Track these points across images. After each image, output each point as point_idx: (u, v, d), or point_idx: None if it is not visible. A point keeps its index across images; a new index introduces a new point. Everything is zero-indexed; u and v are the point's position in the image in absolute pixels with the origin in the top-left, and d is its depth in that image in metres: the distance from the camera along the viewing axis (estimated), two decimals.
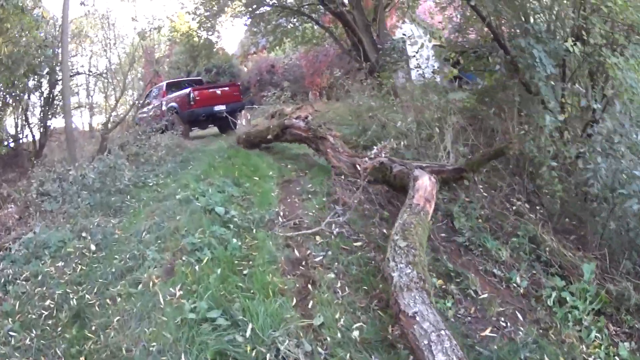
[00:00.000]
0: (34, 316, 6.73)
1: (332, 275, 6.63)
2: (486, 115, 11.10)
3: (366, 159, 8.95)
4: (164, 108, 19.47)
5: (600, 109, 8.97)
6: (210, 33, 26.45)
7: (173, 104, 18.74)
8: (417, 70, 19.14)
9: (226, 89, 21.39)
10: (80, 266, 8.05)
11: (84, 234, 9.20)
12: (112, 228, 9.51)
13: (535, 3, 10.06)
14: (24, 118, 17.81)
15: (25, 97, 17.32)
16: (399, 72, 26.62)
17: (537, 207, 8.67)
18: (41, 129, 18.35)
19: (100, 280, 7.42)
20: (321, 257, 7.10)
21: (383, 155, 8.83)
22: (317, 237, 7.70)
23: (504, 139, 9.75)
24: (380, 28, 24.34)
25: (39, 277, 7.68)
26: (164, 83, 21.18)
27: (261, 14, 27.28)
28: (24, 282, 7.59)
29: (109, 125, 17.00)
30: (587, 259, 7.40)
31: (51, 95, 18.29)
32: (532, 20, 9.73)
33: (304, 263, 7.08)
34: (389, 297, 5.23)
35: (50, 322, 6.63)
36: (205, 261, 6.92)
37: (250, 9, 26.22)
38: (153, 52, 42.79)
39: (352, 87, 21.65)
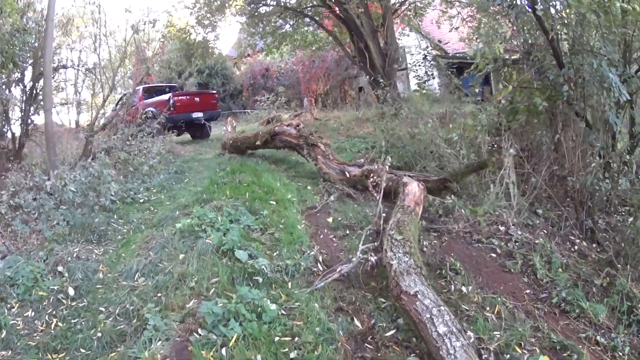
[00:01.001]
0: None
1: None
2: (533, 138, 9.78)
3: (355, 166, 9.71)
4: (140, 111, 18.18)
5: None
6: (208, 30, 24.40)
7: (151, 108, 17.87)
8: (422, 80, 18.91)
9: (204, 96, 21.41)
10: (55, 319, 6.01)
11: (60, 268, 7.20)
12: (96, 262, 7.56)
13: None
14: (3, 114, 15.59)
15: (6, 90, 15.16)
16: (398, 82, 25.15)
17: (594, 246, 7.95)
18: (22, 126, 16.04)
19: (82, 349, 5.31)
20: (393, 330, 5.40)
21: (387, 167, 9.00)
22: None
23: (564, 168, 8.85)
24: (388, 35, 22.50)
25: (3, 333, 5.58)
26: (140, 87, 20.14)
27: (261, 14, 25.60)
28: None
29: (95, 127, 14.97)
30: None
31: (34, 90, 16.07)
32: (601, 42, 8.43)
33: (370, 338, 5.25)
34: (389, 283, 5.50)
35: None
36: (233, 340, 4.85)
37: (250, 7, 24.25)
38: (145, 50, 41.46)
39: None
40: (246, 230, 7.78)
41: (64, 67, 17.69)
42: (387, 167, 8.94)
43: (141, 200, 10.90)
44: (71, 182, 10.27)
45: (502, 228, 7.84)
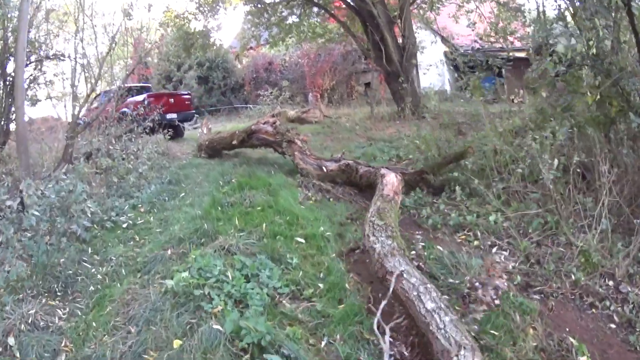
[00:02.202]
0: None
1: None
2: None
3: (332, 161, 9.75)
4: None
5: None
6: (209, 18, 21.79)
7: (125, 109, 16.38)
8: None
9: (178, 97, 20.87)
10: None
11: (11, 341, 4.86)
12: (58, 334, 5.12)
13: None
14: None
15: None
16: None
17: None
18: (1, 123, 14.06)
19: None
20: None
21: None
22: None
23: None
24: (405, 27, 20.30)
25: None
26: (113, 89, 17.30)
27: (266, 2, 23.34)
28: None
29: (76, 127, 12.53)
30: None
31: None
32: None
33: None
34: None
35: None
36: None
37: None
38: (142, 40, 39.14)
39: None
40: (272, 297, 5.34)
41: (47, 57, 15.45)
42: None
43: (124, 225, 8.48)
44: (36, 201, 7.97)
45: (610, 283, 5.72)
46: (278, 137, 11.12)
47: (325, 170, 9.72)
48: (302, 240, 6.85)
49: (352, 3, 20.62)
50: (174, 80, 36.07)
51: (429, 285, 4.59)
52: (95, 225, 8.30)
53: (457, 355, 3.78)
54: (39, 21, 15.20)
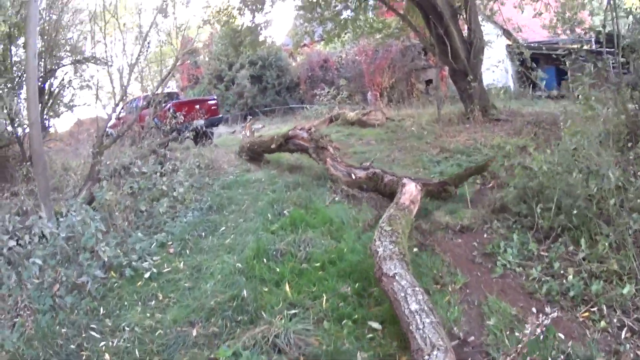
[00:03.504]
0: None
1: None
2: None
3: (361, 169, 9.64)
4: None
5: None
6: (256, 12, 19.62)
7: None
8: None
9: (205, 103, 19.93)
10: None
11: None
12: None
13: None
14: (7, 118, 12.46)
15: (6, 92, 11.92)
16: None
17: None
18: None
19: None
20: None
21: None
22: None
23: None
24: (471, 19, 17.87)
25: None
26: (141, 97, 17.21)
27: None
28: None
29: (103, 140, 10.72)
30: None
31: (49, 85, 13.67)
32: None
33: None
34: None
35: None
36: None
37: None
38: (189, 40, 37.62)
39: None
40: None
41: (78, 61, 13.96)
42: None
43: (147, 275, 6.63)
44: (40, 244, 6.68)
45: None
46: (312, 144, 11.01)
47: (354, 177, 9.63)
48: (378, 327, 4.98)
49: None
50: (225, 80, 34.50)
51: (417, 289, 4.67)
52: (112, 273, 6.64)
53: (429, 355, 3.83)
54: (68, 22, 14.13)
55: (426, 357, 3.77)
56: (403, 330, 4.34)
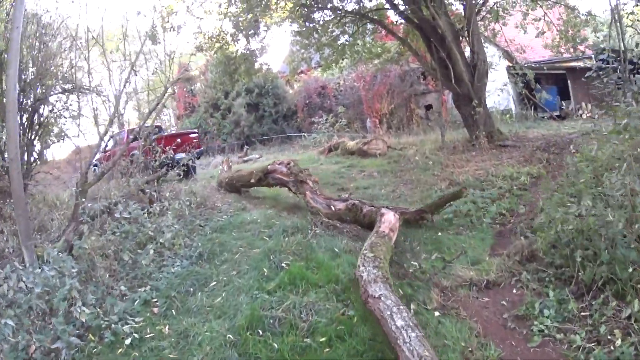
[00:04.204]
0: None
1: None
2: None
3: (340, 201, 9.80)
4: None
5: None
6: (250, 37, 18.70)
7: (135, 151, 14.72)
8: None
9: (185, 137, 19.97)
10: None
11: None
12: None
13: None
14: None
15: None
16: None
17: None
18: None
19: None
20: None
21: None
22: None
23: None
24: (474, 41, 17.28)
25: None
26: (125, 130, 17.67)
27: (315, 20, 20.56)
28: None
29: (88, 176, 9.82)
30: None
31: (37, 114, 12.81)
32: None
33: None
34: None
35: None
36: None
37: (300, 11, 18.93)
38: (187, 68, 36.91)
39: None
40: None
41: (66, 90, 13.40)
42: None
43: (128, 341, 5.66)
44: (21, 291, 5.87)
45: None
46: (291, 177, 11.19)
47: (333, 209, 9.73)
48: None
49: (410, 16, 17.93)
50: (221, 109, 33.92)
51: (401, 307, 4.87)
52: (91, 336, 5.74)
53: None
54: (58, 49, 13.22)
55: None
56: (391, 346, 4.53)
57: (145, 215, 9.32)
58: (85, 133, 14.72)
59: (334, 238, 8.29)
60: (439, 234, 8.44)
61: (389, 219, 8.13)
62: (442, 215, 9.29)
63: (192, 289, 6.96)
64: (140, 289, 7.11)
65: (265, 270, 7.00)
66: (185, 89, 36.54)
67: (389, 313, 4.76)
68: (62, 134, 13.65)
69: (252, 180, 12.58)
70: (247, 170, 14.03)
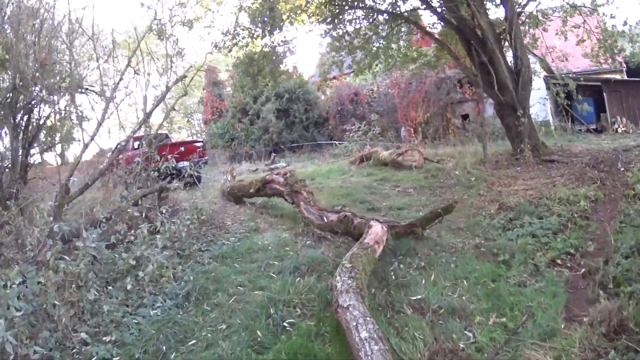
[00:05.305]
0: None
1: None
2: None
3: (333, 213, 9.44)
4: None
5: None
6: (270, 33, 16.79)
7: (138, 159, 13.86)
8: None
9: (189, 146, 20.74)
10: None
11: None
12: None
13: None
14: None
15: None
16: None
17: None
18: (10, 170, 11.46)
19: None
20: None
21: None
22: None
23: None
24: (517, 45, 15.32)
25: None
26: (131, 137, 16.22)
27: (346, 21, 18.84)
28: None
29: (66, 192, 8.20)
30: None
31: (29, 119, 12.02)
32: None
33: None
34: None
35: None
36: None
37: (329, 8, 17.24)
38: (215, 72, 35.48)
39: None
40: None
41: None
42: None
43: None
44: None
45: None
46: (287, 188, 10.97)
47: (326, 220, 9.40)
48: None
49: (447, 16, 16.17)
50: (250, 114, 32.21)
51: (368, 319, 4.72)
52: None
53: None
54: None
55: None
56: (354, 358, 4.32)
57: (133, 237, 7.63)
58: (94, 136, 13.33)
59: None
60: (495, 282, 6.35)
61: (376, 231, 7.82)
62: (496, 254, 7.34)
63: (164, 347, 5.18)
64: (105, 338, 5.45)
65: (259, 333, 5.14)
66: (213, 93, 35.12)
67: (354, 324, 4.66)
68: (68, 136, 12.94)
69: (252, 190, 12.45)
70: (247, 180, 13.87)
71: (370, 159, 17.98)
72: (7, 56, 10.76)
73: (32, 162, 12.40)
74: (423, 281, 6.50)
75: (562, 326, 5.00)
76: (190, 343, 5.21)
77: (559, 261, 6.79)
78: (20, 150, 11.58)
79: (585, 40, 17.88)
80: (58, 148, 13.75)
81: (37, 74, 10.78)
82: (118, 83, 9.72)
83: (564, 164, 13.27)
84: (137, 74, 10.98)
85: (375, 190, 12.62)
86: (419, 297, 5.97)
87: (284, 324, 5.40)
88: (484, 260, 7.15)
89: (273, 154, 27.99)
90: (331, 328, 5.23)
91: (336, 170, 17.55)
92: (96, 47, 10.46)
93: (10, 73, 11.09)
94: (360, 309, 4.88)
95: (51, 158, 16.21)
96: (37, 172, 12.66)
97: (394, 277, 6.77)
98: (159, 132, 15.71)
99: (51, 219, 7.72)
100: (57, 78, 11.60)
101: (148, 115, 10.27)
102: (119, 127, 12.02)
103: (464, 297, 5.96)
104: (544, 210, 8.89)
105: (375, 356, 4.09)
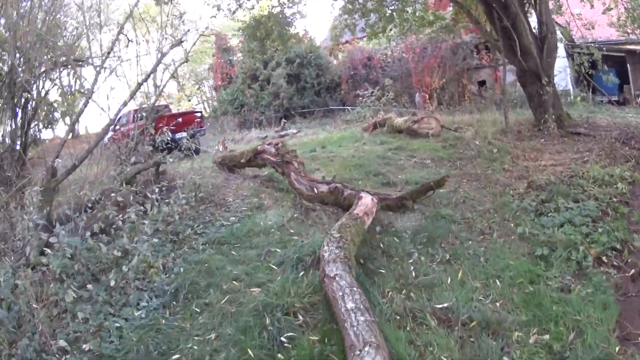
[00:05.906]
0: None
1: None
2: None
3: (323, 184, 9.42)
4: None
5: None
6: None
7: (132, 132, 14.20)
8: None
9: (187, 116, 20.38)
10: None
11: None
12: None
13: None
14: None
15: None
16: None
17: None
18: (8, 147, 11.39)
19: None
20: None
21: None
22: None
23: None
24: (542, 10, 14.38)
25: None
26: (131, 110, 17.83)
27: None
28: None
29: (58, 169, 7.47)
30: None
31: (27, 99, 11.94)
32: None
33: None
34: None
35: None
36: None
37: None
38: (225, 38, 34.54)
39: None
40: None
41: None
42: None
43: None
44: None
45: None
46: (278, 158, 10.80)
47: (316, 191, 9.35)
48: None
49: None
50: (260, 79, 31.23)
51: (355, 289, 4.71)
52: None
53: (360, 351, 3.81)
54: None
55: (357, 352, 3.79)
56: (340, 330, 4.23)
57: (122, 222, 6.83)
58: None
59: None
60: (534, 285, 5.41)
61: (366, 202, 7.89)
62: (532, 245, 6.43)
63: (162, 349, 4.44)
64: (85, 346, 4.75)
65: (251, 353, 4.33)
66: (223, 59, 34.24)
67: (340, 294, 4.62)
68: (69, 111, 13.15)
69: (243, 160, 12.27)
70: (239, 150, 13.63)
71: (384, 126, 17.17)
72: (7, 35, 10.47)
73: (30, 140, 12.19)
74: (449, 280, 5.64)
75: (617, 349, 4.15)
76: (173, 358, 4.43)
77: (604, 259, 5.88)
78: (19, 132, 11.40)
79: (612, 8, 16.64)
80: (61, 124, 13.48)
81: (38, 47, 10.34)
82: (109, 53, 8.95)
83: (591, 137, 12.43)
84: (131, 41, 10.25)
85: (390, 161, 11.67)
86: (445, 305, 5.06)
87: (282, 338, 4.58)
88: (518, 254, 6.28)
89: (283, 120, 27.30)
90: (339, 340, 4.37)
91: (348, 137, 16.76)
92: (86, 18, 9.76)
93: (10, 52, 10.67)
94: (347, 279, 4.89)
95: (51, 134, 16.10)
96: (38, 151, 12.23)
97: (414, 275, 5.90)
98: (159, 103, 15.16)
99: (32, 208, 7.01)
100: (58, 52, 11.15)
101: (139, 85, 9.42)
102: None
103: (497, 304, 5.09)
104: (578, 192, 7.93)
105: (362, 327, 4.02)
